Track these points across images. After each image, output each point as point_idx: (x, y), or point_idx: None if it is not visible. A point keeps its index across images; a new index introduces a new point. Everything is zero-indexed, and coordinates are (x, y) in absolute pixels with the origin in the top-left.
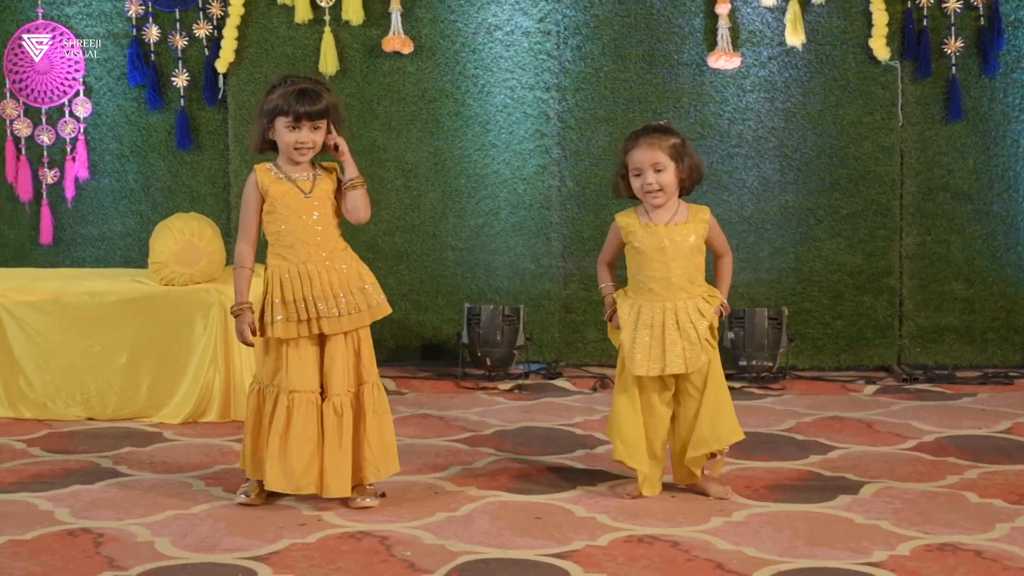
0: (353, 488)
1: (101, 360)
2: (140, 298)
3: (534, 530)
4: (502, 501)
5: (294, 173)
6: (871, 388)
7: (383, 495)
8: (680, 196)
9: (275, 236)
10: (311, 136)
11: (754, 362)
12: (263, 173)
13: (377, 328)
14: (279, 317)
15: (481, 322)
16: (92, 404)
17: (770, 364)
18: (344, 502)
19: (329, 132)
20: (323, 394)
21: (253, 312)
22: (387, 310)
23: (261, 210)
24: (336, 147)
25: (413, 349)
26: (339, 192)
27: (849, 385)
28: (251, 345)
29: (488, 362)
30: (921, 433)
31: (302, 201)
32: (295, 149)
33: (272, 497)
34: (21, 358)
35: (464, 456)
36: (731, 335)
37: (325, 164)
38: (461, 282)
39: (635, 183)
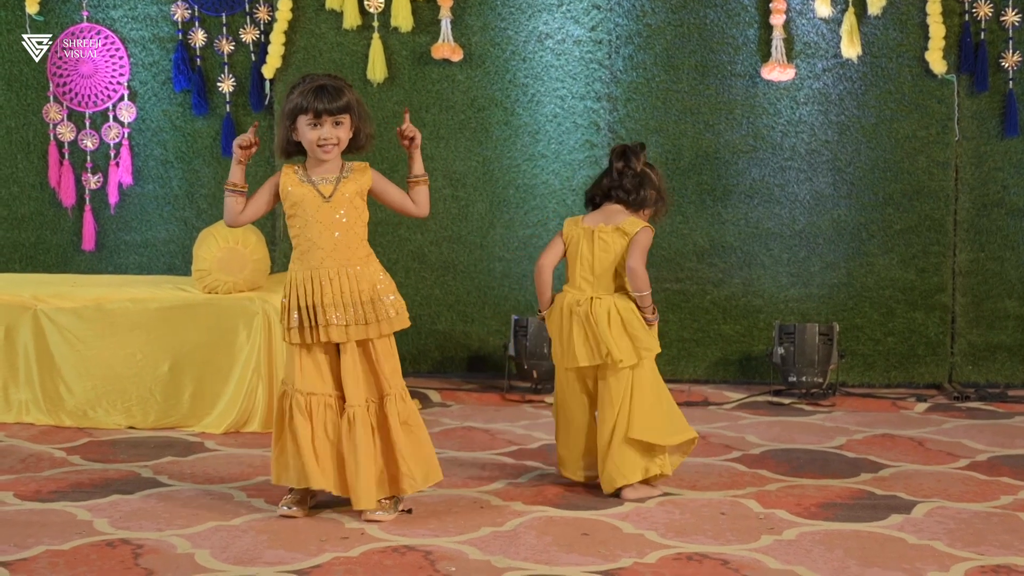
0: (384, 499)
1: (143, 368)
2: (183, 306)
3: (581, 546)
4: (549, 516)
5: (318, 175)
6: (922, 406)
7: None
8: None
9: (295, 240)
10: (334, 132)
11: (804, 378)
12: (287, 175)
13: (422, 339)
14: (294, 324)
15: (528, 334)
16: (133, 413)
17: (820, 380)
18: (359, 513)
19: (353, 128)
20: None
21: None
22: (403, 324)
23: (268, 201)
24: (411, 139)
25: (458, 361)
26: (373, 191)
27: (900, 402)
28: (243, 145)
29: (534, 375)
30: (974, 452)
31: (320, 206)
32: (318, 146)
33: (315, 509)
34: (62, 365)
35: (510, 470)
36: (781, 350)
37: (356, 164)
38: (508, 293)
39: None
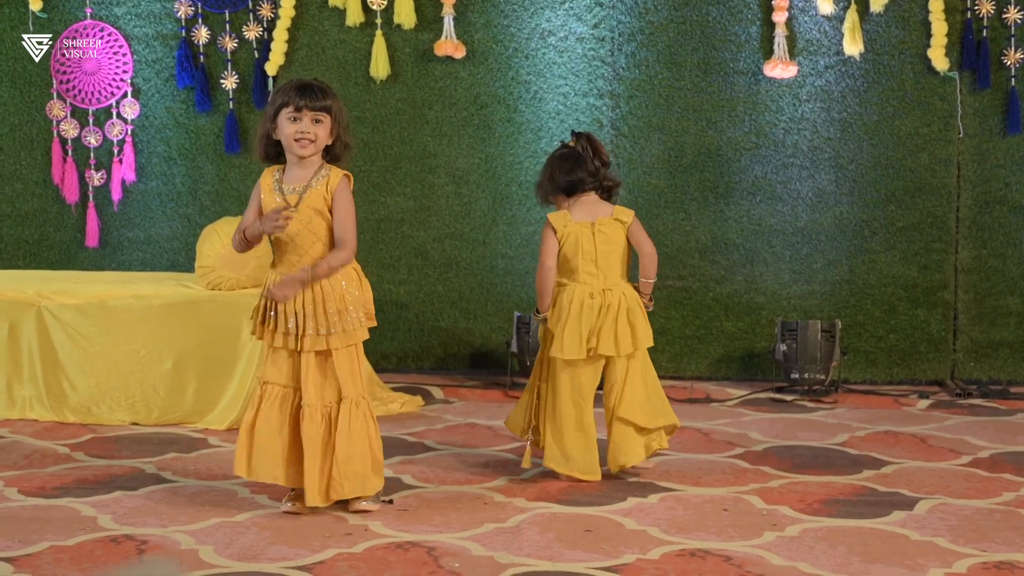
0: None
1: (146, 365)
2: (186, 302)
3: (584, 542)
4: (552, 512)
5: (289, 184)
6: (924, 403)
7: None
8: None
9: (272, 243)
10: (312, 128)
11: (807, 375)
12: (265, 179)
13: (425, 336)
14: (260, 321)
15: (531, 331)
16: (137, 409)
17: (823, 377)
18: (345, 505)
19: (332, 133)
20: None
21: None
22: (363, 336)
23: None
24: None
25: (461, 357)
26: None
27: (902, 399)
28: (281, 223)
29: None
30: (976, 449)
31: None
32: (295, 140)
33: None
34: (65, 361)
35: (513, 467)
36: (783, 347)
37: (335, 168)
38: (511, 290)
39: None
